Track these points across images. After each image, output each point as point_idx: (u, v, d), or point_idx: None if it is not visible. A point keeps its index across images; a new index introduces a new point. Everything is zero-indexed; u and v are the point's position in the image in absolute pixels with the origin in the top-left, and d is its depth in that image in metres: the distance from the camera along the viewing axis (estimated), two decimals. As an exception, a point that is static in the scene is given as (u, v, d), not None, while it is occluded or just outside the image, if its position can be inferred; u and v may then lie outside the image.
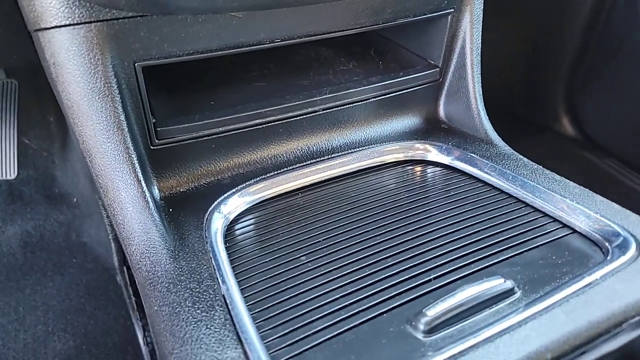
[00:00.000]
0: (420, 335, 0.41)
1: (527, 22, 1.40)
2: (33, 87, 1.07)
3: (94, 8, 0.46)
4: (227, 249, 0.51)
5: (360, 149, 0.65)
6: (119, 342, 1.04)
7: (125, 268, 0.99)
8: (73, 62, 0.48)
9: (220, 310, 0.42)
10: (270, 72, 0.65)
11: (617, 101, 1.25)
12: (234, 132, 0.59)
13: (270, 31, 0.54)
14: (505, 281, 0.44)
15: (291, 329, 0.42)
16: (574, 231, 0.52)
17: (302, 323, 0.42)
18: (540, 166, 0.61)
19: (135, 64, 0.50)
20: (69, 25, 0.46)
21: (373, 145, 0.66)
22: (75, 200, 1.27)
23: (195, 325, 0.41)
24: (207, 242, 0.50)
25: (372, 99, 0.66)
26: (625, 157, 1.28)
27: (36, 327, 1.09)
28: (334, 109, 0.64)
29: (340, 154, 0.64)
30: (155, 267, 0.48)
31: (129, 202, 0.51)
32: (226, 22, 0.51)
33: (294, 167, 0.62)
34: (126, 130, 0.50)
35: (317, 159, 0.63)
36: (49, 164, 1.25)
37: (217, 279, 0.45)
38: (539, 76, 1.47)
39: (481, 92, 0.70)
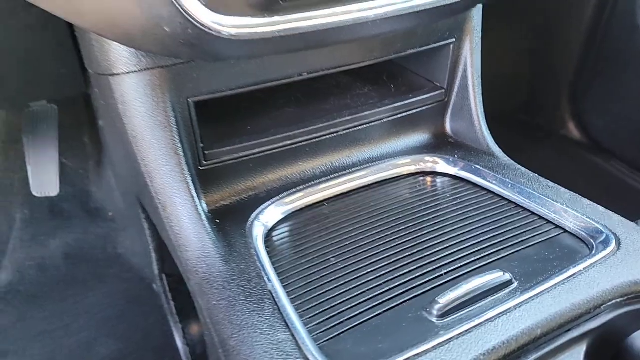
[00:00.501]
0: (434, 319, 0.50)
1: (530, 31, 1.47)
2: (70, 112, 1.18)
3: (157, 57, 0.56)
4: (268, 252, 0.60)
5: (376, 163, 0.75)
6: (158, 345, 1.13)
7: (164, 275, 1.07)
8: (139, 101, 0.58)
9: (269, 303, 0.51)
10: (297, 98, 0.75)
11: (620, 104, 1.31)
12: (268, 152, 0.68)
13: (299, 66, 0.64)
14: (504, 274, 0.53)
15: (328, 316, 0.51)
16: (565, 231, 0.60)
17: (336, 312, 0.51)
18: (536, 175, 0.69)
19: (189, 99, 0.60)
20: (137, 71, 0.56)
21: (388, 159, 0.75)
22: (110, 214, 1.37)
23: (249, 314, 0.50)
24: (251, 247, 0.60)
25: (386, 119, 0.75)
26: (629, 159, 1.34)
27: (81, 334, 1.18)
28: (353, 129, 0.73)
29: (359, 168, 0.74)
30: (210, 269, 0.57)
31: (185, 216, 0.61)
32: (263, 61, 0.61)
33: (320, 180, 0.71)
34: (182, 155, 0.60)
35: (339, 173, 0.73)
36: (85, 181, 1.35)
37: (264, 277, 0.55)
38: (543, 82, 1.53)
39: (482, 109, 0.79)
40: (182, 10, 0.46)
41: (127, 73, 0.57)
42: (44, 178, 1.24)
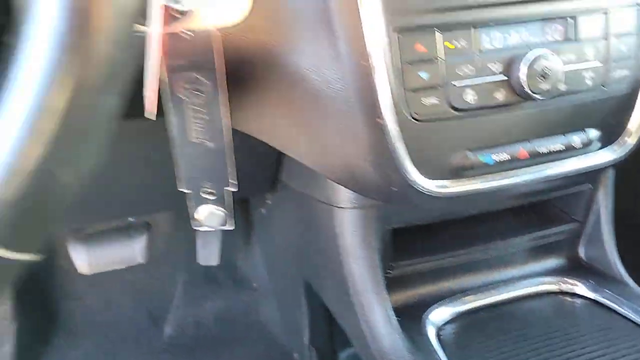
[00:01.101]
0: None
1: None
2: None
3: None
4: (442, 347, 0.78)
5: (522, 280, 0.91)
6: None
7: (314, 349, 1.26)
8: (354, 228, 0.80)
9: None
10: (455, 225, 0.94)
11: None
12: (434, 266, 0.88)
13: (472, 208, 0.85)
14: None
15: None
16: None
17: None
18: None
19: (387, 227, 0.82)
20: (358, 208, 0.79)
21: (532, 278, 0.91)
22: (254, 285, 1.61)
23: None
24: (428, 343, 0.78)
25: (528, 244, 0.92)
26: None
27: None
28: (502, 252, 0.91)
29: (506, 284, 0.90)
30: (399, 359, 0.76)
31: (379, 315, 0.80)
32: None
33: (475, 292, 0.88)
34: (379, 267, 0.81)
35: (489, 287, 0.90)
36: (233, 254, 1.61)
37: None
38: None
39: (614, 240, 0.93)
40: (408, 179, 0.68)
41: (350, 208, 0.80)
42: (209, 251, 1.51)
